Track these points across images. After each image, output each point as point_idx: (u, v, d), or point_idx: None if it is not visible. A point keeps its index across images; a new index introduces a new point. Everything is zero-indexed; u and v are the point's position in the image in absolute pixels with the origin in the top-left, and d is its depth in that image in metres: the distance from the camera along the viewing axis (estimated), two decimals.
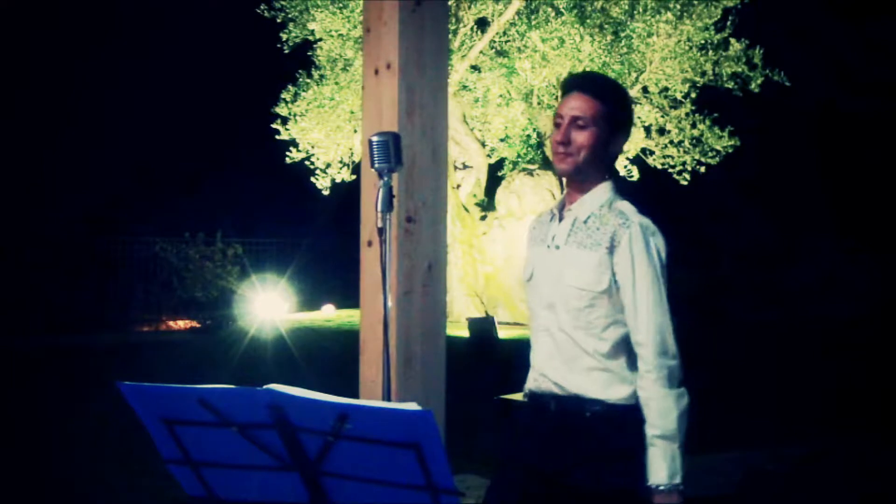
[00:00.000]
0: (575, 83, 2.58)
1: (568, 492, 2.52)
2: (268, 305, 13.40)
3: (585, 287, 2.48)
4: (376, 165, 2.65)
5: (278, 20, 14.13)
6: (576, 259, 2.51)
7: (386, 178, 2.63)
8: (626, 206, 2.54)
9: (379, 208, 2.60)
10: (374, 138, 2.67)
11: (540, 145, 15.16)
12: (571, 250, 2.53)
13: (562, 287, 2.53)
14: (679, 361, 2.49)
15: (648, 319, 2.45)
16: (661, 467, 2.49)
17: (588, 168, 2.54)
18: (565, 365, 2.55)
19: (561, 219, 2.60)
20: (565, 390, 2.55)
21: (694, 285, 16.97)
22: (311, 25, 13.76)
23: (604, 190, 2.56)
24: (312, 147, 14.34)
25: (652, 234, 2.49)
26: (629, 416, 2.49)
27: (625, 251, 2.46)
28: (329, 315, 14.48)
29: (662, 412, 2.48)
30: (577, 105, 2.53)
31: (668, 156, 14.21)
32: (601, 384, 2.52)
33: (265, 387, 1.72)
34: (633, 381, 2.51)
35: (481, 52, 13.89)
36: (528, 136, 15.73)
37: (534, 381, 2.68)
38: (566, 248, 2.55)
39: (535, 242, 2.67)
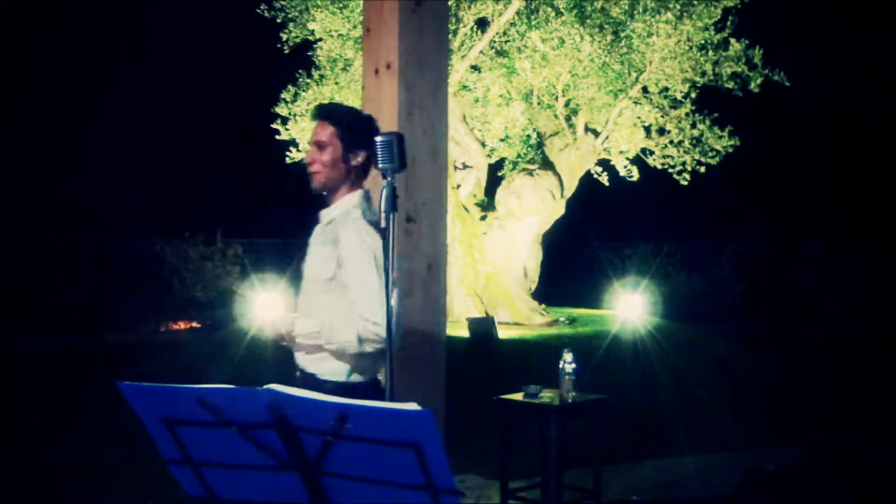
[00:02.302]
0: (314, 114, 3.10)
1: None
2: (268, 305, 13.37)
3: (318, 276, 2.96)
4: (380, 165, 2.66)
5: (278, 20, 14.12)
6: (316, 253, 3.01)
7: (390, 179, 2.63)
8: (357, 212, 2.99)
9: (383, 208, 2.61)
10: (379, 138, 2.67)
11: (540, 145, 15.16)
12: (316, 247, 3.03)
13: (310, 277, 3.03)
14: (380, 329, 2.80)
15: (364, 296, 2.84)
16: (305, 329, 2.93)
17: (333, 182, 3.03)
18: (301, 347, 2.98)
19: (319, 222, 3.10)
20: (304, 371, 2.99)
21: (694, 287, 16.95)
22: (311, 25, 13.75)
23: (350, 199, 3.04)
24: None
25: (364, 230, 2.92)
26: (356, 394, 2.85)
27: (342, 245, 2.91)
28: None
29: (332, 345, 2.90)
30: (318, 131, 3.03)
31: (668, 156, 14.20)
32: (322, 364, 2.94)
33: (265, 387, 1.72)
34: (352, 363, 2.91)
35: (481, 52, 13.88)
36: (528, 136, 15.72)
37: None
38: (314, 246, 3.05)
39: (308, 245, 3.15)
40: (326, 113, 3.08)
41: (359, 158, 3.04)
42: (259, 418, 1.74)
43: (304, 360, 3.00)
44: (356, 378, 2.95)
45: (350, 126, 3.04)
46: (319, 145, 3.02)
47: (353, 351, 2.87)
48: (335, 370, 2.95)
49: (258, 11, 14.09)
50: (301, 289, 3.09)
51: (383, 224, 2.63)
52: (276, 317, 3.02)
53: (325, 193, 3.09)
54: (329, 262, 2.93)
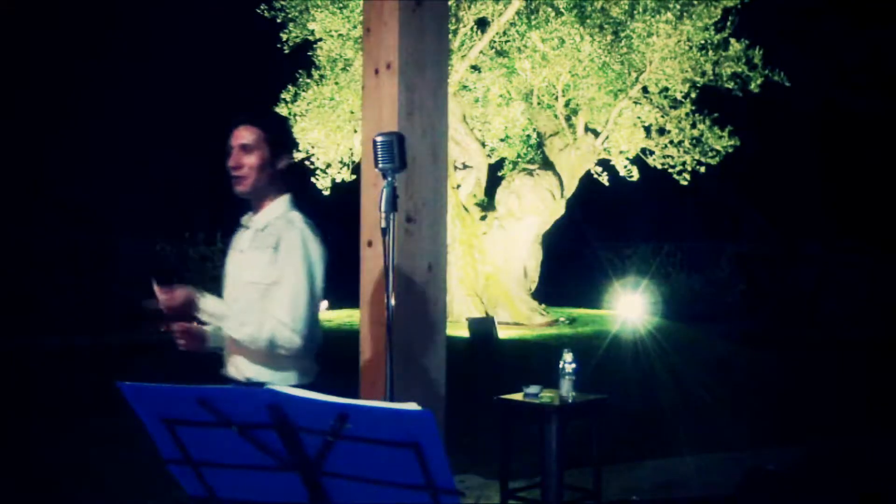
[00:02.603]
0: (239, 119, 3.09)
1: None
2: None
3: (258, 281, 2.93)
4: (380, 165, 2.67)
5: (278, 20, 14.12)
6: (253, 259, 2.97)
7: (390, 179, 2.64)
8: (295, 216, 3.00)
9: (383, 208, 2.62)
10: (379, 138, 2.68)
11: (540, 145, 15.17)
12: (251, 253, 3.00)
13: (241, 284, 2.99)
14: (300, 341, 2.87)
15: (288, 302, 2.86)
16: (213, 307, 2.96)
17: (261, 185, 3.03)
18: (243, 354, 2.96)
19: (247, 229, 3.09)
20: (244, 377, 2.97)
21: (694, 287, 16.95)
22: (311, 25, 13.75)
23: (280, 203, 3.05)
24: (312, 147, 14.34)
25: (310, 239, 2.93)
26: None
27: (283, 249, 2.90)
28: (328, 315, 14.48)
29: (240, 332, 2.89)
30: (244, 134, 3.04)
31: (668, 156, 14.20)
32: (269, 371, 2.93)
33: (265, 387, 1.72)
34: (297, 367, 2.94)
35: (481, 52, 13.88)
36: (528, 136, 15.73)
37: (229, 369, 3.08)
38: (248, 252, 3.02)
39: (231, 251, 3.14)
40: (252, 118, 3.11)
41: (284, 163, 3.08)
42: (259, 418, 1.74)
43: (251, 370, 2.98)
44: (306, 380, 2.98)
45: (276, 131, 3.10)
46: (246, 149, 3.03)
47: (261, 347, 2.88)
48: (284, 378, 2.95)
49: (258, 11, 14.10)
50: (229, 294, 3.07)
51: (383, 224, 2.63)
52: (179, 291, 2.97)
53: (250, 199, 3.08)
54: (271, 268, 2.93)
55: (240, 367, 3.00)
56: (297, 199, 3.14)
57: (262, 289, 2.92)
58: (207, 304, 2.97)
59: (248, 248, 3.05)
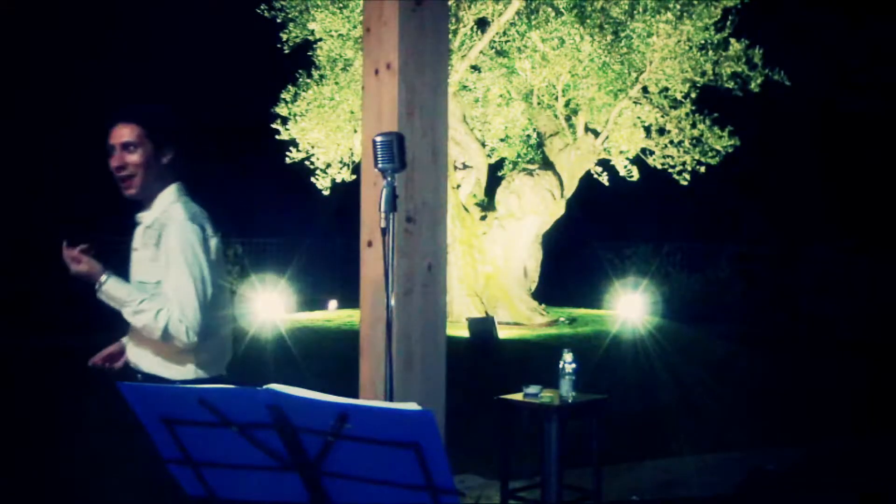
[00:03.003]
0: (117, 116, 3.06)
1: None
2: (268, 305, 13.38)
3: (145, 279, 2.94)
4: (380, 165, 2.67)
5: (278, 20, 14.12)
6: (141, 257, 2.99)
7: (389, 179, 2.64)
8: (177, 210, 2.96)
9: (382, 208, 2.62)
10: (378, 138, 2.68)
11: (540, 145, 15.16)
12: (141, 251, 3.00)
13: (135, 282, 2.99)
14: (195, 338, 2.87)
15: (175, 291, 2.85)
16: (114, 290, 2.92)
17: (150, 183, 3.00)
18: (143, 348, 3.00)
19: (139, 225, 3.07)
20: (143, 372, 3.01)
21: (694, 287, 16.95)
22: (311, 25, 13.75)
23: (167, 195, 3.02)
24: (312, 147, 14.33)
25: (190, 234, 2.90)
26: None
27: (163, 247, 2.89)
28: (329, 315, 14.48)
29: (135, 320, 2.91)
30: (123, 133, 3.00)
31: (668, 156, 14.19)
32: (163, 365, 2.96)
33: (265, 387, 1.72)
34: (194, 362, 2.95)
35: (481, 52, 13.87)
36: (528, 136, 15.72)
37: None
38: (140, 250, 3.02)
39: (131, 249, 3.12)
40: (130, 114, 3.06)
41: (169, 156, 3.04)
42: (259, 418, 1.73)
43: (152, 364, 3.00)
44: (201, 374, 2.99)
45: (157, 125, 3.05)
46: (128, 147, 3.00)
47: (156, 336, 2.87)
48: (182, 371, 2.98)
49: (258, 11, 14.09)
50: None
51: (383, 224, 2.63)
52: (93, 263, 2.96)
53: (141, 199, 3.05)
54: (156, 266, 2.92)
55: (139, 361, 3.03)
56: (188, 186, 3.09)
57: (152, 288, 2.93)
58: (110, 286, 2.93)
59: (139, 245, 3.04)
